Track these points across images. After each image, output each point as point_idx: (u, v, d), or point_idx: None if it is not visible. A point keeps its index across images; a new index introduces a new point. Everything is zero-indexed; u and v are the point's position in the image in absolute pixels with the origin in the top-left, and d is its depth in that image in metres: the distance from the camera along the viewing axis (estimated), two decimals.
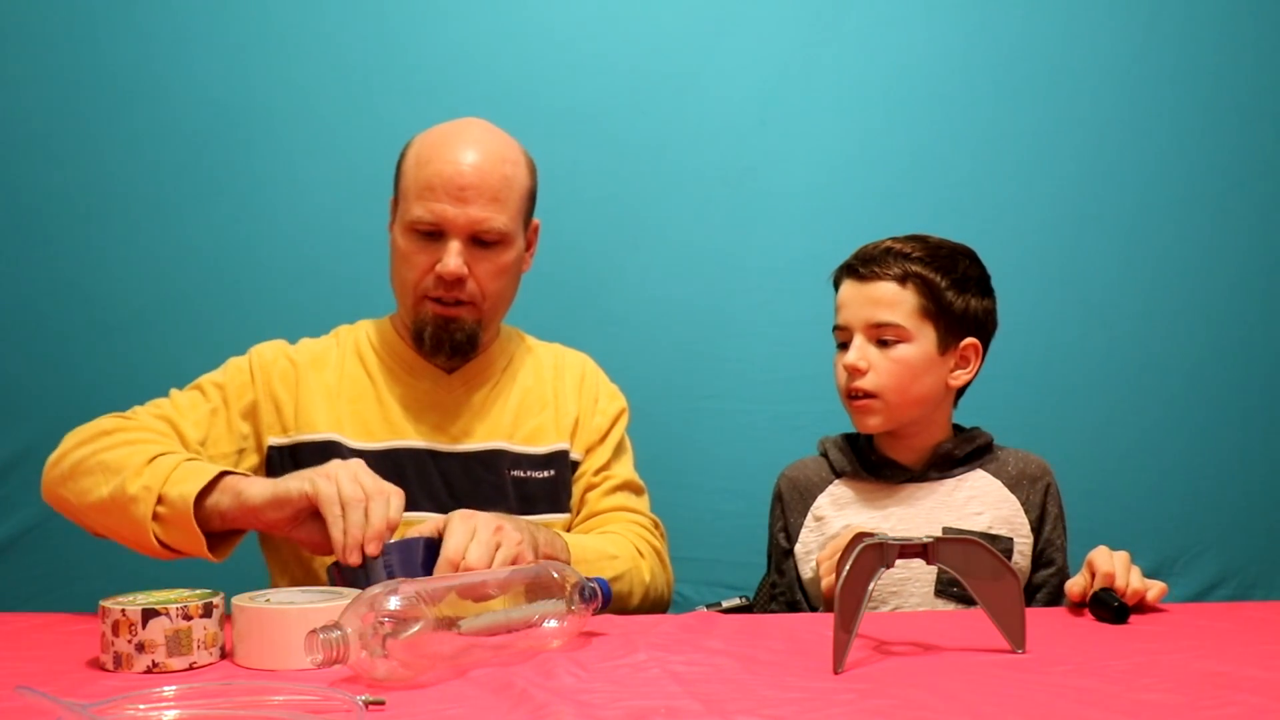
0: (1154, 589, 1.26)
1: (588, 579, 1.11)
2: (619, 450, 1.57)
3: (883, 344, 1.44)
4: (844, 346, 1.48)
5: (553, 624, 1.06)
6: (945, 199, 2.14)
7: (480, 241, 1.41)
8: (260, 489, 1.22)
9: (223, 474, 1.24)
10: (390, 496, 1.18)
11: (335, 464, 1.21)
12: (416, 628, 0.92)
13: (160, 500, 1.22)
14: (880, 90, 2.17)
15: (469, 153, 1.40)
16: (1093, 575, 1.27)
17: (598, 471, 1.52)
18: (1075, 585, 1.28)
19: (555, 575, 1.09)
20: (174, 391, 1.45)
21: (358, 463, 1.22)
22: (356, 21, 2.11)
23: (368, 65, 2.11)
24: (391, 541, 1.17)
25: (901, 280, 1.43)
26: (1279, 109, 2.21)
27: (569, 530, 1.49)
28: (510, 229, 1.43)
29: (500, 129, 1.48)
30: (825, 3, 2.17)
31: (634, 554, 1.44)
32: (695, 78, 2.15)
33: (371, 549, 1.15)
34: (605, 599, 1.12)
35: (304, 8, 2.11)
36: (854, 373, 1.44)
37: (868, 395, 1.44)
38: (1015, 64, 2.18)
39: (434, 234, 1.41)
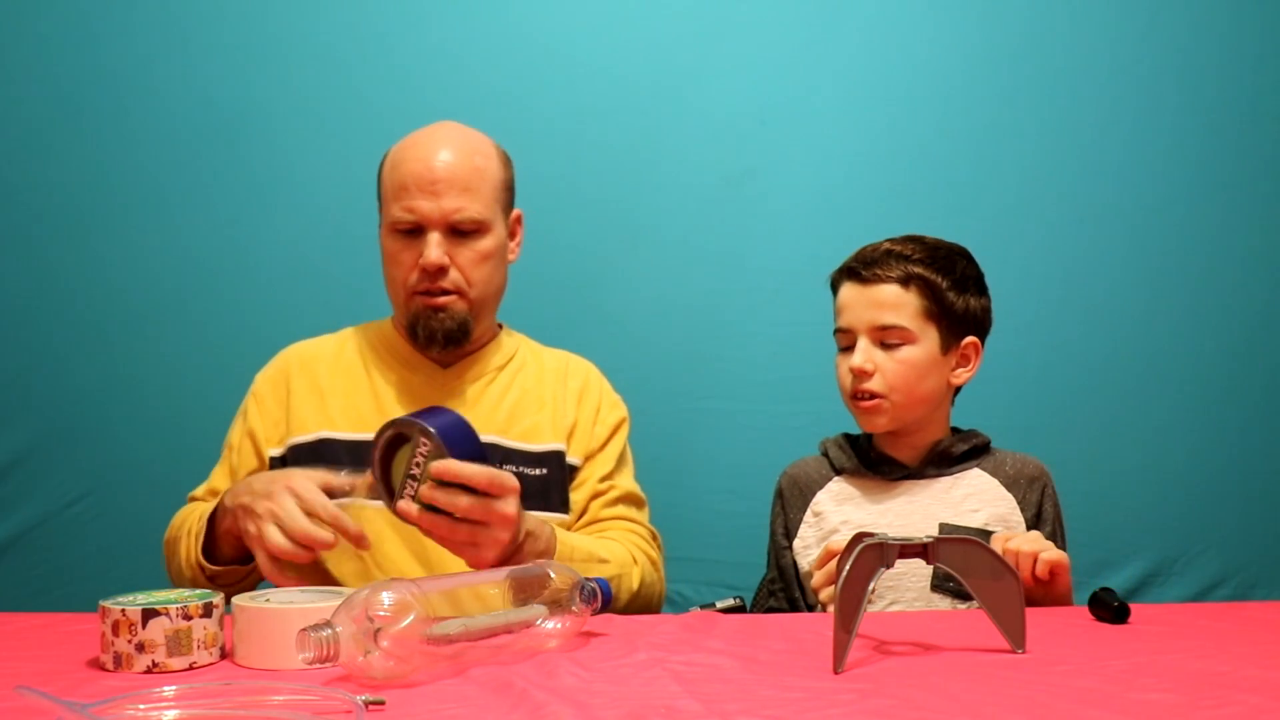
0: (1049, 551, 1.28)
1: (588, 579, 1.11)
2: (621, 461, 1.58)
3: (886, 346, 1.46)
4: (846, 349, 1.49)
5: (550, 624, 1.06)
6: (946, 200, 2.14)
7: (459, 231, 1.45)
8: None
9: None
10: (277, 497, 1.21)
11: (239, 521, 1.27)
12: (407, 621, 0.92)
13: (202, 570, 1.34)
14: (881, 91, 2.17)
15: (439, 150, 1.46)
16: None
17: (602, 479, 1.53)
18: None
19: (553, 575, 1.09)
20: (215, 467, 1.51)
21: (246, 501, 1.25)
22: (355, 23, 2.11)
23: (366, 67, 2.11)
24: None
25: (904, 282, 1.45)
26: None
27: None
28: (486, 216, 1.46)
29: (472, 128, 1.52)
30: (826, 3, 2.17)
31: (627, 560, 1.45)
32: (695, 78, 2.15)
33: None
34: (605, 599, 1.11)
35: (300, 10, 2.11)
36: (861, 375, 1.46)
37: (875, 396, 1.46)
38: (1017, 64, 2.18)
39: (414, 231, 1.45)
